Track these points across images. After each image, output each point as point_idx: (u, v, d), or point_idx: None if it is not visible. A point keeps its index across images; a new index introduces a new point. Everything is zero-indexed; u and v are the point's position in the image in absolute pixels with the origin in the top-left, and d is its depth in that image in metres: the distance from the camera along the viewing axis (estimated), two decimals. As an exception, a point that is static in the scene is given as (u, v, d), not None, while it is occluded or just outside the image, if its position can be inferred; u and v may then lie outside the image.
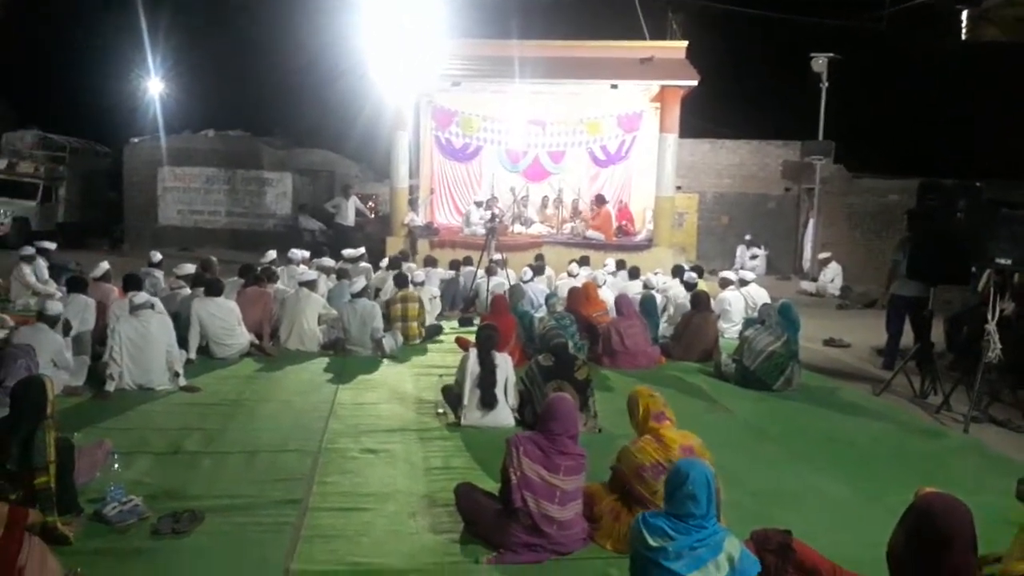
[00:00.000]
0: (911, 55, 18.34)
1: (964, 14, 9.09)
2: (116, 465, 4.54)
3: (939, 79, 19.39)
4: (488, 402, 5.55)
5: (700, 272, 10.43)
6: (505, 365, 5.69)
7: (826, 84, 15.19)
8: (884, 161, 17.90)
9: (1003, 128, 15.96)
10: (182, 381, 6.35)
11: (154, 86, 22.87)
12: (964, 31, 9.21)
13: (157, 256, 9.53)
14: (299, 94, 23.70)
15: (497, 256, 10.70)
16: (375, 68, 13.12)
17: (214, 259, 9.67)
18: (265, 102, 23.69)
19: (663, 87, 13.11)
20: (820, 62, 15.08)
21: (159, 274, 9.03)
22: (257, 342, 7.74)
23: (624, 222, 14.35)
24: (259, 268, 9.04)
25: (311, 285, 8.38)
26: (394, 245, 13.15)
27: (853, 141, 16.87)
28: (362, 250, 11.17)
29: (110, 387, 6.06)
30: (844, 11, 16.44)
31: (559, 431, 3.77)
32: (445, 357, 7.84)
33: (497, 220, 11.67)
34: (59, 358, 6.01)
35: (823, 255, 14.03)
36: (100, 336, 6.81)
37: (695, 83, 12.76)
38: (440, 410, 5.91)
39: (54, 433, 3.72)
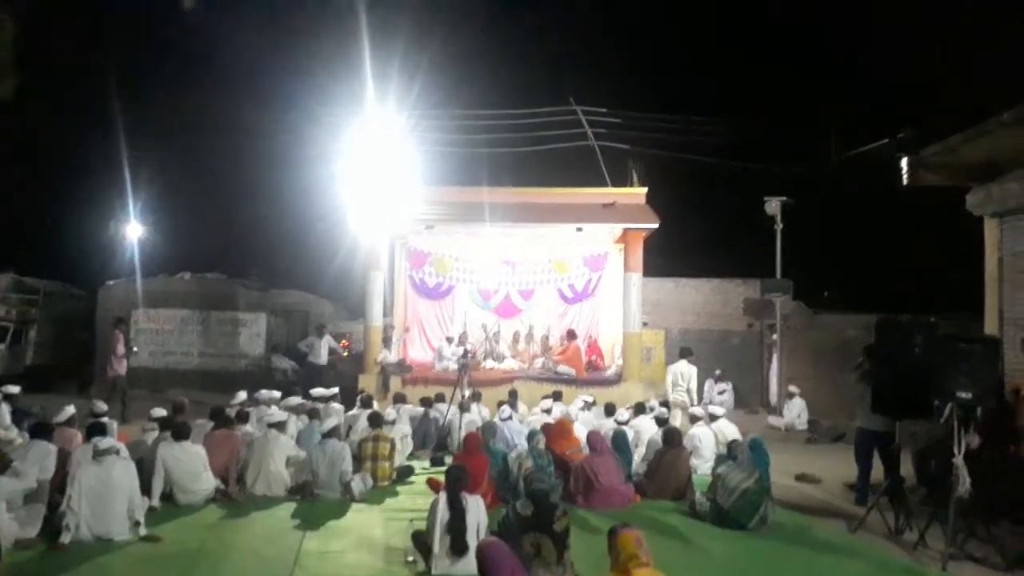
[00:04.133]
0: (859, 197, 19.48)
1: (904, 160, 9.68)
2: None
3: (887, 219, 20.51)
4: (459, 549, 5.40)
5: (668, 406, 10.50)
6: (476, 509, 5.59)
7: (780, 225, 15.95)
8: (842, 297, 18.57)
9: (951, 264, 16.74)
10: (143, 530, 6.15)
11: (132, 230, 23.24)
12: (905, 176, 9.78)
13: (102, 406, 8.76)
14: (276, 236, 24.30)
15: (468, 392, 10.70)
16: (352, 213, 13.59)
17: (185, 400, 9.55)
18: (243, 244, 24.16)
19: (626, 230, 13.73)
20: (773, 205, 15.88)
21: (113, 424, 8.66)
22: (223, 487, 7.55)
23: (594, 357, 14.55)
24: (231, 410, 8.92)
25: (280, 426, 8.30)
26: (367, 383, 13.12)
27: (811, 279, 17.54)
28: (335, 390, 11.13)
29: (65, 538, 5.84)
30: (793, 158, 17.59)
31: None
32: (416, 500, 7.68)
33: (469, 356, 11.76)
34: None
35: (791, 388, 14.20)
36: (60, 484, 6.60)
37: (655, 226, 13.39)
38: (410, 558, 5.74)
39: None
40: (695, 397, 11.94)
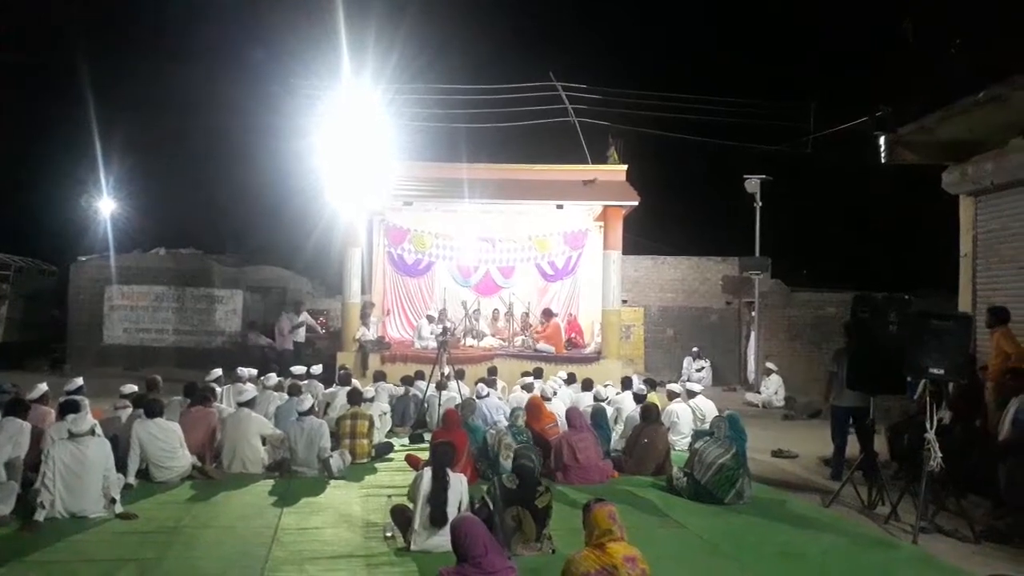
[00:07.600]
0: (837, 176, 19.62)
1: (881, 139, 9.71)
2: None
3: (865, 197, 20.69)
4: (438, 520, 5.36)
5: (653, 384, 10.56)
6: (459, 486, 5.59)
7: (759, 203, 16.04)
8: (820, 275, 18.75)
9: (927, 241, 16.94)
10: (118, 508, 6.08)
11: (105, 205, 22.84)
12: (883, 155, 9.83)
13: (78, 382, 8.56)
14: (252, 211, 24.01)
15: (447, 370, 10.69)
16: (329, 188, 13.44)
17: (158, 378, 9.42)
18: (218, 220, 23.88)
19: (606, 207, 13.72)
20: (753, 183, 15.97)
21: (84, 401, 8.52)
22: (199, 464, 7.49)
23: (573, 335, 14.59)
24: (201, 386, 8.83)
25: (250, 404, 8.19)
26: (345, 360, 13.07)
27: (789, 256, 17.68)
28: (319, 367, 11.09)
29: (40, 516, 5.75)
30: (772, 136, 17.65)
31: (479, 552, 3.78)
32: (394, 476, 7.68)
33: (449, 334, 11.74)
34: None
35: (769, 365, 14.35)
36: (33, 462, 6.50)
37: (635, 203, 13.40)
38: (388, 533, 5.74)
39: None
40: None
